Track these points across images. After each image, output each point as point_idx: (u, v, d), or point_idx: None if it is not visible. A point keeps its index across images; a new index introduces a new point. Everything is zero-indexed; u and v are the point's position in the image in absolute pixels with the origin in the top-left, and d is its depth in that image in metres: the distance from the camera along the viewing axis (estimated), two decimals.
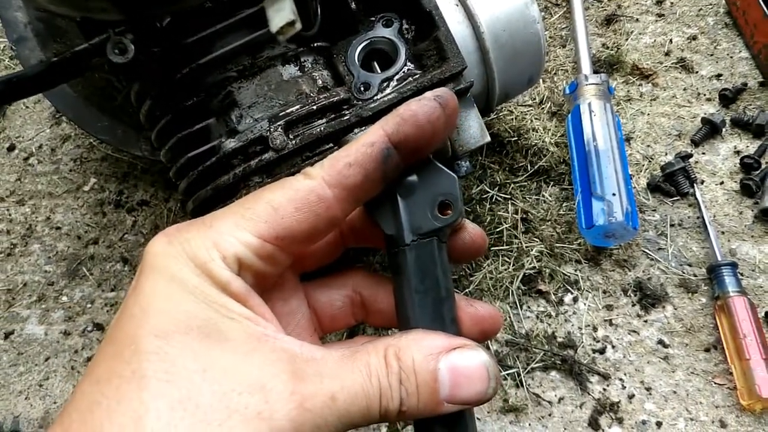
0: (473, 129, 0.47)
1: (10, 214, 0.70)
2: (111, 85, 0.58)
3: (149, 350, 0.24)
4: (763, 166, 0.58)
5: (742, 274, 0.54)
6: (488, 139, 0.48)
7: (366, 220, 0.32)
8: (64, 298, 0.64)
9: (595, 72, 0.66)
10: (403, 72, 0.47)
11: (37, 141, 0.76)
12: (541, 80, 0.70)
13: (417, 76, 0.46)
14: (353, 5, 0.49)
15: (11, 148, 0.75)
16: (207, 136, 0.46)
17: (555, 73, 0.71)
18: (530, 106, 0.68)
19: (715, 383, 0.50)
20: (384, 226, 0.30)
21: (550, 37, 0.73)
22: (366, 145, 0.28)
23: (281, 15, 0.30)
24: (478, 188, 0.62)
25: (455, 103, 0.29)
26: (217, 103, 0.46)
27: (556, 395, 0.51)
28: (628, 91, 0.67)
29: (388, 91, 0.46)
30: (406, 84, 0.46)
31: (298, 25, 0.31)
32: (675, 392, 0.50)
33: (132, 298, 0.26)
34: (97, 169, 0.73)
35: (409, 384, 0.26)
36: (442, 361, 0.26)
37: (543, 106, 0.68)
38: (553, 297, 0.56)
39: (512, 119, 0.67)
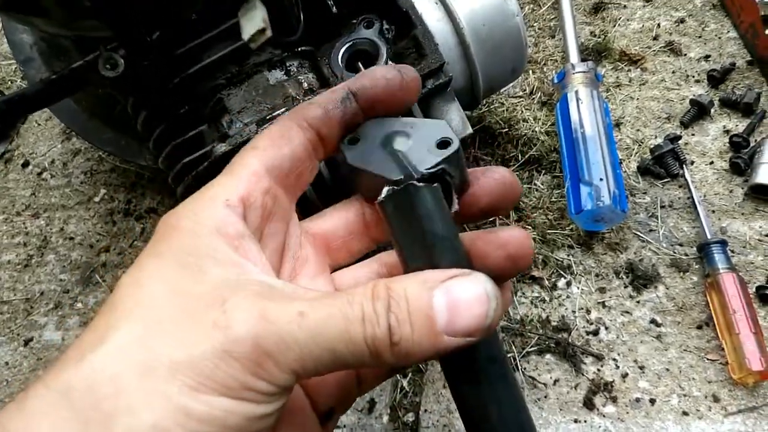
0: (455, 121, 0.49)
1: (26, 227, 0.73)
2: (113, 99, 0.61)
3: (126, 282, 0.26)
4: (752, 144, 0.59)
5: (732, 251, 0.54)
6: (470, 130, 0.49)
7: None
8: (79, 305, 0.67)
9: (584, 60, 0.66)
10: None
11: (49, 156, 0.79)
12: (530, 71, 0.71)
13: None
14: (335, 9, 0.51)
15: (25, 164, 0.79)
16: (201, 142, 0.48)
17: (545, 64, 0.72)
18: (521, 97, 0.70)
19: (708, 359, 0.50)
20: (388, 173, 0.29)
21: (539, 29, 0.75)
22: (329, 91, 0.31)
23: (252, 23, 0.32)
24: None
25: (414, 73, 0.31)
26: (209, 110, 0.48)
27: (551, 377, 0.52)
28: (618, 77, 0.68)
29: None
30: None
31: (269, 33, 0.33)
32: (668, 369, 0.50)
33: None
34: (106, 181, 0.76)
35: (400, 310, 0.24)
36: (438, 289, 0.24)
37: (533, 96, 0.69)
38: (546, 282, 0.57)
39: (503, 111, 0.68)
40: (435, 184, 0.27)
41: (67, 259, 0.70)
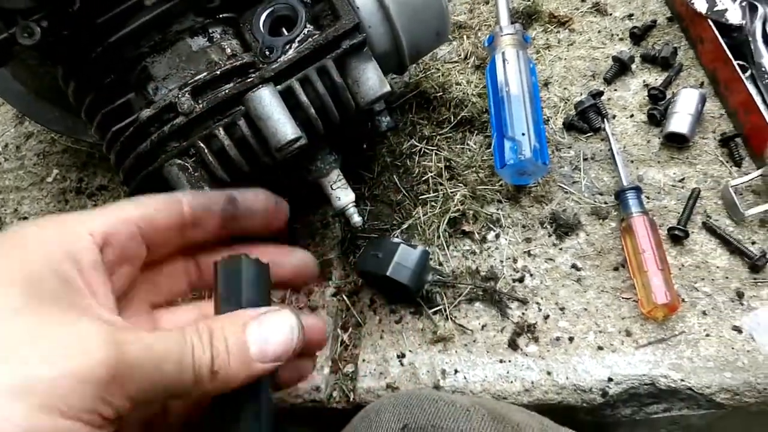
0: (372, 81, 0.51)
1: None
2: (54, 77, 0.62)
3: None
4: (668, 96, 0.61)
5: (648, 197, 0.57)
6: (387, 88, 0.51)
7: None
8: None
9: (513, 23, 0.69)
10: (304, 34, 0.51)
11: (2, 140, 0.81)
12: (465, 37, 0.73)
13: (315, 36, 0.50)
14: None
15: None
16: (129, 110, 0.50)
17: (479, 29, 0.74)
18: (456, 62, 0.72)
19: (623, 298, 0.53)
20: None
21: None
22: (217, 192, 0.37)
23: None
24: (408, 143, 0.66)
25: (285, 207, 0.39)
26: (135, 78, 0.50)
27: (479, 323, 0.55)
28: (547, 39, 0.70)
29: (290, 52, 0.50)
30: (305, 44, 0.50)
31: None
32: (586, 309, 0.53)
33: None
34: (58, 161, 0.78)
35: (220, 343, 0.29)
36: (252, 323, 0.30)
37: (467, 61, 0.71)
38: (477, 236, 0.59)
39: (439, 76, 0.70)
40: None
41: None
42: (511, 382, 0.51)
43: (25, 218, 0.73)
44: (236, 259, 0.34)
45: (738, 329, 0.50)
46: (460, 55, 0.72)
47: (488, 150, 0.64)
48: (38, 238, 0.29)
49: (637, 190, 0.56)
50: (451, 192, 0.62)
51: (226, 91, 0.48)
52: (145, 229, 0.33)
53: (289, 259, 0.39)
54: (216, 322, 0.30)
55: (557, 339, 0.52)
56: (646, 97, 0.63)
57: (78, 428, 0.24)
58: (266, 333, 0.30)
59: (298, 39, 0.50)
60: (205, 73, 0.48)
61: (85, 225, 0.30)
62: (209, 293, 0.37)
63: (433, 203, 0.62)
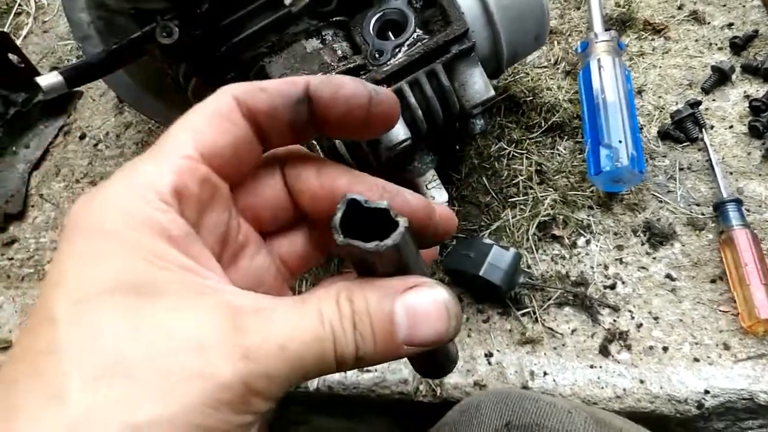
0: (478, 85, 0.52)
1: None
2: (164, 73, 0.66)
3: (64, 319, 0.22)
4: None
5: (748, 210, 0.56)
6: (492, 93, 0.52)
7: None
8: None
9: (607, 30, 0.68)
10: (413, 38, 0.52)
11: (104, 129, 0.86)
12: (556, 42, 0.73)
13: (425, 40, 0.52)
14: None
15: (82, 137, 0.85)
16: None
17: (570, 35, 0.74)
18: (545, 67, 0.72)
19: (720, 311, 0.53)
20: None
21: (564, 1, 0.77)
22: (288, 82, 0.26)
23: None
24: (497, 146, 0.67)
25: (391, 100, 0.27)
26: (252, 77, 0.53)
27: (569, 327, 0.55)
28: (641, 46, 0.70)
29: (399, 55, 0.52)
30: (415, 48, 0.51)
31: None
32: (681, 320, 0.53)
33: (50, 265, 0.25)
34: None
35: (364, 327, 0.24)
36: (398, 302, 0.25)
37: (558, 66, 0.71)
38: (566, 241, 0.60)
39: (528, 80, 0.71)
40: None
41: None
42: (602, 387, 0.52)
43: None
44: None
45: None
46: (549, 60, 0.72)
47: (579, 156, 0.64)
48: (107, 229, 0.23)
49: (738, 202, 0.55)
50: (541, 196, 0.62)
51: None
52: (216, 164, 0.26)
53: (409, 204, 0.28)
54: (358, 299, 0.25)
55: (651, 348, 0.53)
56: (747, 108, 0.62)
57: None
58: (417, 313, 0.25)
59: (408, 43, 0.52)
60: (319, 74, 0.51)
61: (148, 188, 0.24)
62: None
63: (522, 206, 0.62)
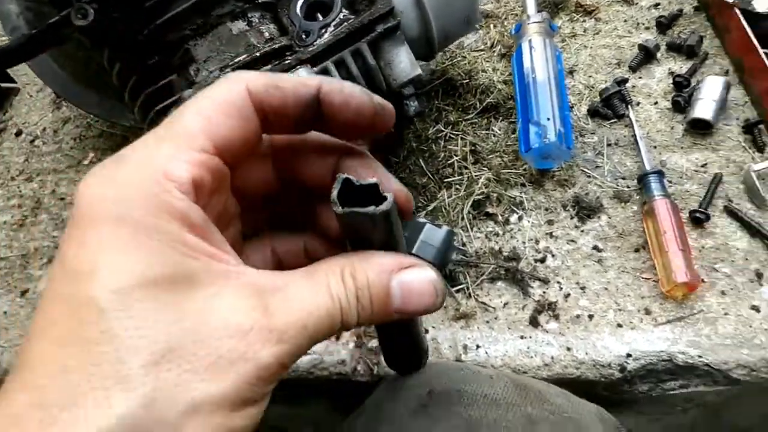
0: (404, 63, 0.53)
1: (20, 191, 0.78)
2: (96, 64, 0.65)
3: (113, 308, 0.23)
4: (693, 84, 0.62)
5: (670, 182, 0.58)
6: (419, 71, 0.53)
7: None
8: None
9: (540, 12, 0.70)
10: (339, 18, 0.53)
11: (41, 125, 0.84)
12: (492, 26, 0.75)
13: (351, 20, 0.52)
14: None
15: (18, 133, 0.84)
16: (171, 90, 0.53)
17: (506, 18, 0.75)
18: (482, 50, 0.73)
19: (642, 278, 0.55)
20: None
21: None
22: (301, 83, 0.28)
23: None
24: (434, 129, 0.68)
25: (391, 112, 0.30)
26: (177, 60, 0.53)
27: (501, 301, 0.57)
28: (573, 27, 0.72)
29: (325, 36, 0.52)
30: (340, 28, 0.52)
31: None
32: (606, 289, 0.55)
33: (73, 252, 0.24)
34: (95, 145, 0.81)
35: (365, 299, 0.28)
36: (394, 279, 0.28)
37: (494, 49, 0.73)
38: (500, 218, 0.61)
39: (465, 63, 0.72)
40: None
41: (59, 217, 0.75)
42: (531, 357, 0.53)
43: (63, 199, 0.77)
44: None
45: (756, 308, 0.51)
46: (486, 44, 0.74)
47: (513, 135, 0.65)
48: (126, 217, 0.24)
49: (660, 174, 0.57)
50: (476, 175, 0.63)
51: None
52: (226, 155, 0.27)
53: (391, 185, 0.32)
54: (360, 274, 0.28)
55: (577, 317, 0.54)
56: (671, 85, 0.64)
57: (257, 409, 0.25)
58: (410, 289, 0.29)
59: (334, 23, 0.53)
60: (244, 56, 0.51)
61: (166, 178, 0.25)
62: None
63: (457, 186, 0.63)
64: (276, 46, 0.51)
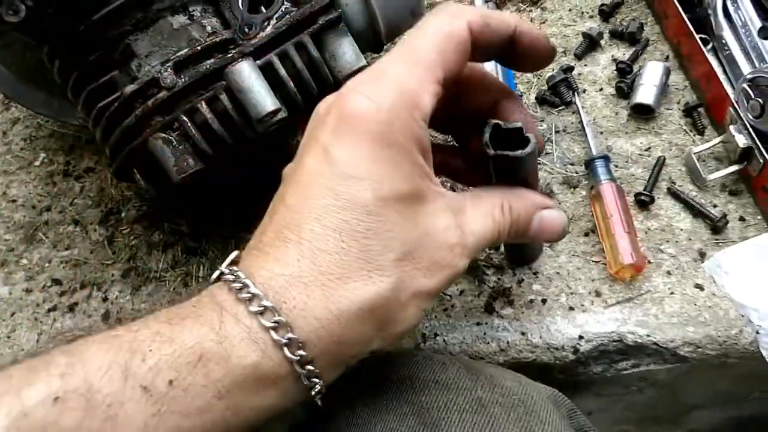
0: (348, 55, 0.53)
1: None
2: (43, 63, 0.64)
3: (377, 212, 0.30)
4: (635, 70, 0.64)
5: (616, 166, 0.60)
6: (363, 62, 0.53)
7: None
8: (24, 261, 0.70)
9: (486, 2, 0.71)
10: (281, 11, 0.52)
11: None
12: None
13: (293, 12, 0.52)
14: None
15: None
16: (113, 87, 0.52)
17: None
18: None
19: (592, 261, 0.56)
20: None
21: None
22: (504, 22, 0.35)
23: None
24: None
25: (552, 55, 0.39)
26: (118, 56, 0.52)
27: (457, 289, 0.57)
28: (520, 17, 0.72)
29: (268, 29, 0.52)
30: (283, 21, 0.51)
31: None
32: (558, 273, 0.56)
33: (346, 156, 0.31)
34: (45, 145, 0.79)
35: (514, 228, 0.37)
36: (536, 216, 0.38)
37: None
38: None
39: None
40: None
41: (10, 220, 0.73)
42: (488, 342, 0.54)
43: (14, 201, 0.74)
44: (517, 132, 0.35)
45: (700, 287, 0.53)
46: None
47: None
48: (392, 134, 0.31)
49: (606, 158, 0.58)
50: None
51: (207, 66, 0.49)
52: (447, 81, 0.33)
53: (533, 127, 0.39)
54: (514, 207, 0.37)
55: (531, 301, 0.55)
56: (615, 71, 0.65)
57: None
58: (545, 225, 0.39)
59: (276, 16, 0.52)
60: (186, 50, 0.50)
61: (419, 109, 0.31)
62: None
63: None
64: (218, 39, 0.50)
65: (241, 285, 0.30)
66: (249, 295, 0.30)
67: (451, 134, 0.45)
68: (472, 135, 0.42)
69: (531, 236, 0.39)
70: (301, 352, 0.30)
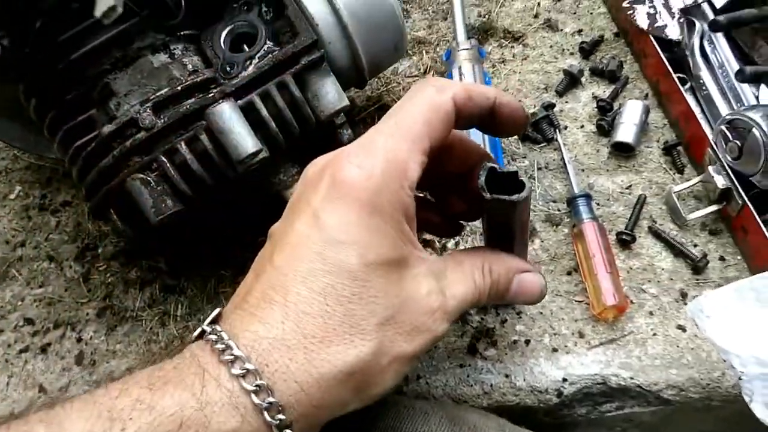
0: (330, 95, 0.52)
1: None
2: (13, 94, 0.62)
3: (362, 277, 0.31)
4: (615, 108, 0.64)
5: (598, 204, 0.60)
6: (346, 102, 0.53)
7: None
8: None
9: (470, 39, 0.71)
10: (264, 50, 0.52)
11: None
12: (425, 52, 0.76)
13: (275, 52, 0.51)
14: None
15: None
16: (91, 126, 0.51)
17: (438, 44, 0.76)
18: (416, 76, 0.74)
19: (575, 301, 0.56)
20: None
21: (432, 12, 0.79)
22: (484, 95, 0.36)
23: (103, 1, 0.35)
24: None
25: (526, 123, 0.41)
26: (97, 94, 0.51)
27: None
28: (502, 53, 0.73)
29: (250, 68, 0.51)
30: (265, 60, 0.51)
31: (120, 9, 0.36)
32: (541, 313, 0.55)
33: (335, 222, 0.32)
34: (21, 178, 0.77)
35: (494, 290, 0.38)
36: (516, 279, 0.39)
37: (427, 75, 0.73)
38: (437, 245, 0.61)
39: (400, 89, 0.72)
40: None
41: None
42: (471, 385, 0.53)
43: None
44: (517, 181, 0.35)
45: (682, 328, 0.53)
46: (419, 69, 0.74)
47: None
48: (381, 203, 0.32)
49: (588, 197, 0.58)
50: None
51: (188, 106, 0.49)
52: (432, 151, 0.34)
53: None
54: (495, 271, 0.38)
55: (514, 342, 0.54)
56: (595, 109, 0.66)
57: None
58: (524, 288, 0.40)
59: (258, 55, 0.52)
60: (166, 89, 0.49)
61: (407, 179, 0.32)
62: None
63: None
64: (199, 79, 0.50)
65: (224, 346, 0.30)
66: (232, 357, 0.30)
67: (430, 192, 0.46)
68: (450, 194, 0.44)
69: (510, 298, 0.40)
70: (280, 416, 0.30)
